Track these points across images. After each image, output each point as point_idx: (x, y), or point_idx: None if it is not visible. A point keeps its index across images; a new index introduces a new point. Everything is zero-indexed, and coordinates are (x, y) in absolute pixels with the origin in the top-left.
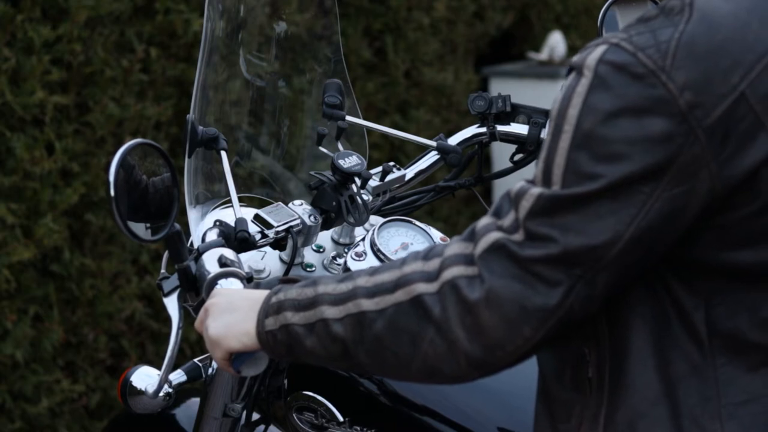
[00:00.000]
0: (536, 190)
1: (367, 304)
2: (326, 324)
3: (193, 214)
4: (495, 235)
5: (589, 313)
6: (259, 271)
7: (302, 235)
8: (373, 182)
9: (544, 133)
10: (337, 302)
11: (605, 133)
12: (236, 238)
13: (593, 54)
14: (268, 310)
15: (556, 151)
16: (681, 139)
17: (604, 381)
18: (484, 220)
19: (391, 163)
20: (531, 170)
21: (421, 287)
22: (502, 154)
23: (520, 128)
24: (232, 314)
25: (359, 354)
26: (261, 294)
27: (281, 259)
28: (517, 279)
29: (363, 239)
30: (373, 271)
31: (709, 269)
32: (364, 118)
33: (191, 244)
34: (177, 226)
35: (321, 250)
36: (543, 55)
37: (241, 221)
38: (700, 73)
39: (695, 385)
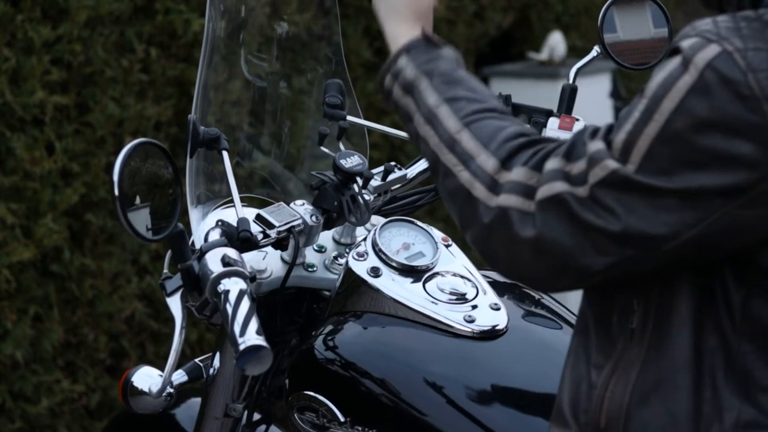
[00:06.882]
0: (612, 164)
1: (443, 152)
2: (415, 129)
3: (194, 214)
4: (559, 187)
5: (630, 281)
6: (261, 271)
7: (304, 235)
8: (375, 182)
9: (545, 133)
10: (425, 122)
11: (694, 139)
12: (239, 238)
13: (704, 53)
14: (392, 70)
15: (641, 134)
16: (765, 168)
17: (646, 334)
18: (553, 162)
19: (393, 163)
20: None
21: (477, 189)
22: None
23: None
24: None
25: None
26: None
27: (283, 259)
28: (569, 236)
29: (364, 239)
30: (477, 110)
31: (762, 270)
32: (365, 118)
33: (193, 244)
34: (180, 225)
35: (322, 250)
36: (543, 55)
37: (243, 221)
38: None
39: (722, 360)
